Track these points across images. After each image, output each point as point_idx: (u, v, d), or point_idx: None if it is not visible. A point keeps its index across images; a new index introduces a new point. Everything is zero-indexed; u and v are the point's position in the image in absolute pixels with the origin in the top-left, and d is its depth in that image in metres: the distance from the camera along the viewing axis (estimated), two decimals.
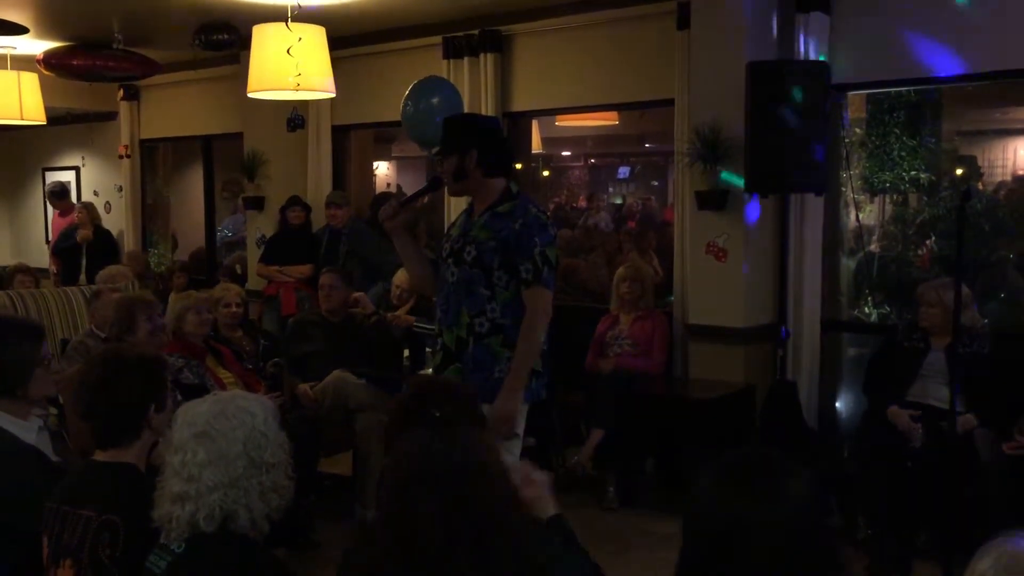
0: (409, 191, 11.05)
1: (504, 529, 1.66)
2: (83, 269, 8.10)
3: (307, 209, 7.06)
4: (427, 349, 5.27)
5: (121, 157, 9.19)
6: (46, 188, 9.78)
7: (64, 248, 8.45)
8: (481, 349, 3.39)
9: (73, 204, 9.27)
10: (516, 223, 3.36)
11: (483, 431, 1.82)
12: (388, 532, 1.69)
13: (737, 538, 1.40)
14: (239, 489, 2.03)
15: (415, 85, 5.44)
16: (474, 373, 3.38)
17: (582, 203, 11.80)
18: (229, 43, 6.64)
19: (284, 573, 2.12)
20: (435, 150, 5.50)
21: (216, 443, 2.03)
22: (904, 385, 4.41)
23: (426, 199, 6.58)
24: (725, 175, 5.11)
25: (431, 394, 1.83)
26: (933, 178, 6.08)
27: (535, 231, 3.35)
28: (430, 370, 5.09)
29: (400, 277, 5.96)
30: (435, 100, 5.34)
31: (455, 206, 6.45)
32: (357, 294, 5.56)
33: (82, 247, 8.30)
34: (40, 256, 9.51)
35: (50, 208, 9.81)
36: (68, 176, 10.16)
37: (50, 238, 9.59)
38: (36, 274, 7.13)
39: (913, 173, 5.90)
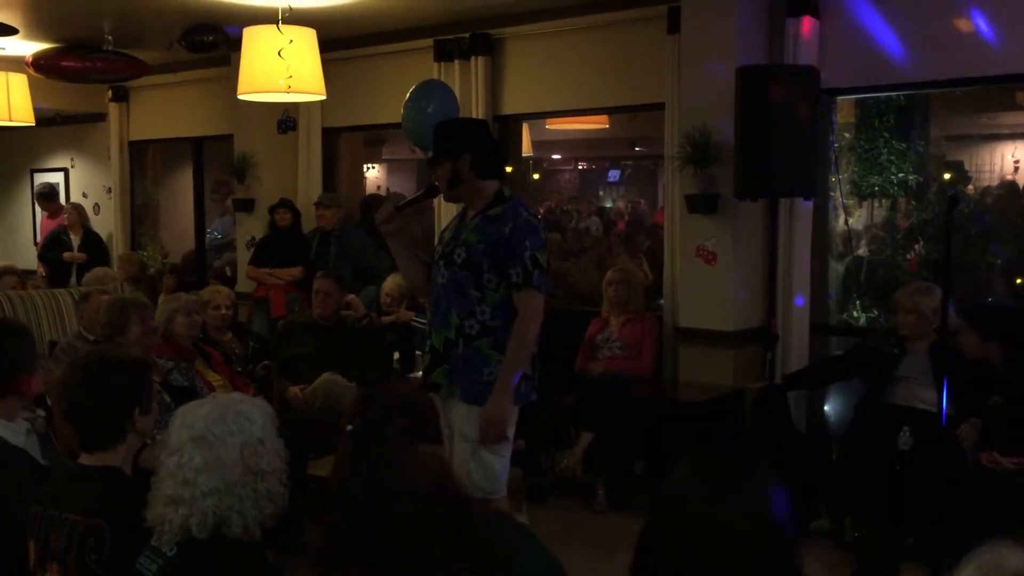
0: (399, 193, 11.05)
1: (404, 544, 1.61)
2: (74, 271, 8.07)
3: (294, 211, 7.03)
4: (416, 352, 5.27)
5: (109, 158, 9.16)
6: (34, 189, 9.74)
7: (51, 256, 8.37)
8: (471, 351, 3.39)
9: (61, 206, 9.23)
10: (506, 227, 3.37)
11: (416, 446, 1.79)
12: (315, 545, 1.70)
13: (693, 533, 1.42)
14: (234, 496, 2.02)
15: (414, 89, 5.44)
16: (463, 375, 3.39)
17: (569, 206, 11.81)
18: (213, 45, 6.62)
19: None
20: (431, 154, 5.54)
21: (213, 448, 2.03)
22: (879, 387, 4.44)
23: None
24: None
25: (360, 405, 1.82)
26: (920, 179, 6.11)
27: (525, 234, 3.36)
28: (420, 372, 5.11)
29: (389, 285, 5.96)
30: (435, 104, 5.33)
31: (446, 209, 6.46)
32: (349, 297, 5.56)
33: (72, 249, 8.28)
34: (29, 258, 9.47)
35: (39, 210, 9.77)
36: (57, 178, 10.12)
37: (38, 240, 9.53)
38: (24, 276, 7.10)
39: (901, 175, 5.93)
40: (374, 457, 1.71)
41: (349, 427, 1.75)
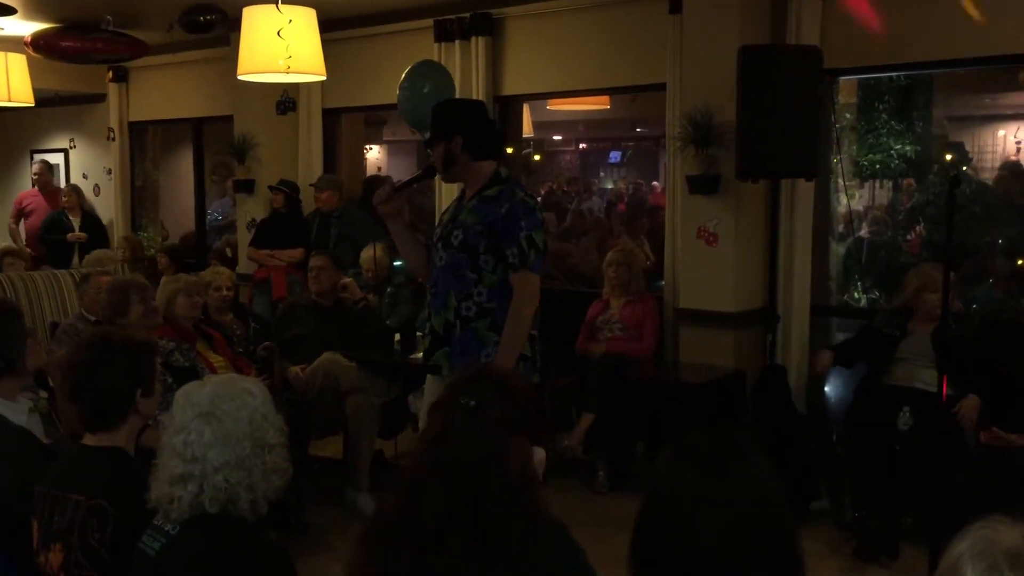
0: (399, 175, 11.03)
1: (509, 533, 1.66)
2: (76, 252, 8.07)
3: (286, 193, 7.01)
4: (418, 333, 5.29)
5: (109, 139, 9.13)
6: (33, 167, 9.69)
7: (52, 238, 8.35)
8: (468, 333, 3.40)
9: (57, 188, 9.22)
10: (502, 207, 3.37)
11: (517, 432, 1.81)
12: (396, 503, 1.71)
13: (691, 514, 1.42)
14: (243, 470, 2.03)
15: (411, 69, 5.42)
16: (461, 357, 3.39)
17: (569, 188, 11.79)
18: (211, 25, 6.59)
19: (278, 554, 2.13)
20: (427, 135, 5.53)
21: (223, 423, 2.04)
22: (879, 368, 4.44)
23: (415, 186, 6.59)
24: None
25: (474, 382, 1.83)
26: (919, 150, 6.09)
27: (521, 215, 3.35)
28: (420, 354, 5.12)
29: (364, 259, 6.02)
30: (430, 84, 5.32)
31: (447, 190, 6.45)
32: (345, 280, 5.56)
33: (73, 230, 8.27)
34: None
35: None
36: (57, 158, 10.09)
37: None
38: (27, 257, 7.10)
39: (902, 156, 5.92)
40: (478, 433, 1.73)
41: (472, 402, 1.76)
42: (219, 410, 2.04)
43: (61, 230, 8.33)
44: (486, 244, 3.36)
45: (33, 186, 9.14)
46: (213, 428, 2.03)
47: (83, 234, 8.25)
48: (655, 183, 12.05)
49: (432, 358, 3.51)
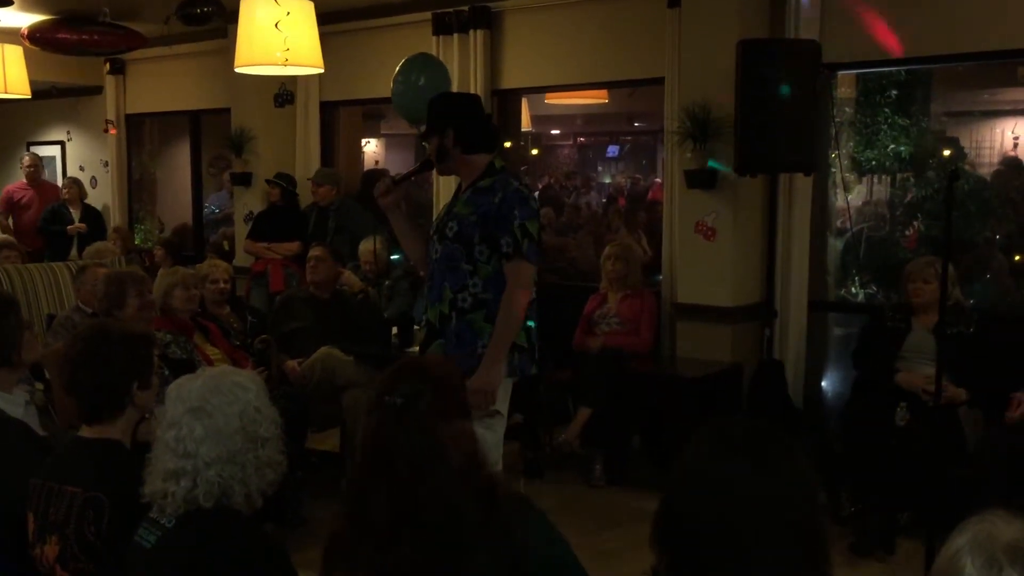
0: (396, 169, 11.00)
1: (465, 519, 1.67)
2: (75, 245, 8.06)
3: (282, 186, 7.01)
4: (415, 326, 5.28)
5: (106, 131, 9.11)
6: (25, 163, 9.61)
7: (52, 230, 8.33)
8: (464, 325, 3.39)
9: (45, 181, 9.19)
10: (496, 197, 3.36)
11: (452, 421, 1.81)
12: (345, 512, 1.75)
13: (734, 505, 1.38)
14: (236, 464, 2.03)
15: (404, 62, 5.41)
16: (457, 348, 3.39)
17: (567, 182, 11.78)
18: (208, 17, 6.57)
19: (273, 547, 2.13)
20: (423, 128, 5.51)
21: (213, 418, 2.03)
22: (887, 364, 4.44)
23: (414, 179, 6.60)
24: (712, 163, 5.12)
25: (400, 378, 1.83)
26: (920, 155, 6.09)
27: (515, 204, 3.34)
28: (417, 347, 5.09)
29: (363, 251, 6.02)
30: (424, 77, 5.31)
31: (444, 183, 6.44)
32: (344, 272, 5.56)
33: (73, 222, 8.26)
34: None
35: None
36: (54, 151, 10.06)
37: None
38: (21, 249, 7.08)
39: (901, 151, 5.91)
40: (411, 431, 1.73)
41: (398, 400, 1.75)
42: (209, 405, 2.04)
43: (62, 222, 8.32)
44: (480, 235, 3.35)
45: (26, 179, 9.08)
46: (204, 423, 2.02)
47: (83, 225, 8.24)
48: (656, 179, 12.05)
49: (428, 350, 3.51)
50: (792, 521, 1.39)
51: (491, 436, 3.38)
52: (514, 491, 1.90)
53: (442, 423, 1.76)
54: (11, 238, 7.80)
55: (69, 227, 8.24)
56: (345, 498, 1.79)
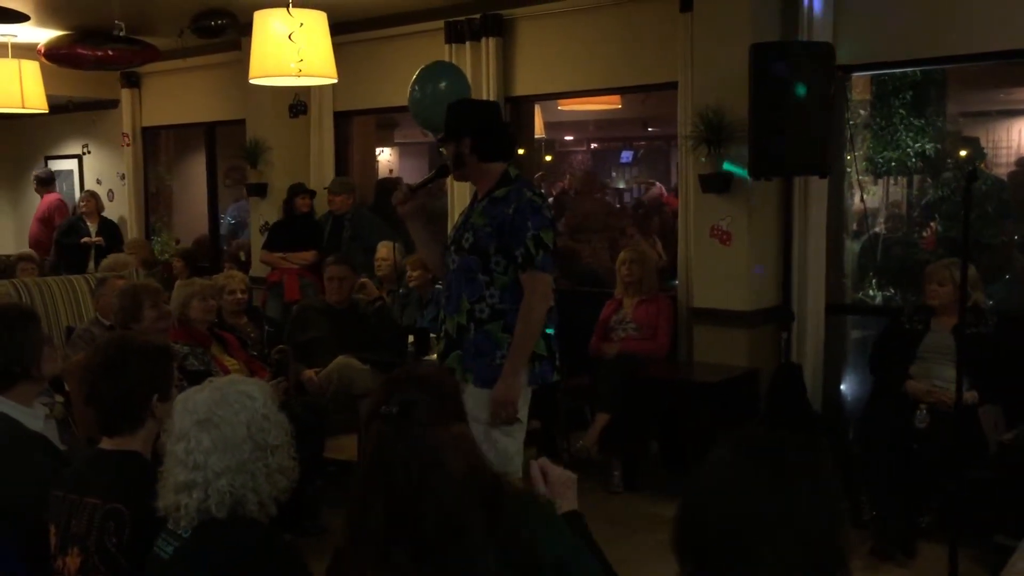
0: (411, 177, 11.02)
1: (472, 524, 1.66)
2: (92, 257, 8.11)
3: (312, 195, 7.07)
4: (431, 335, 5.29)
5: (123, 146, 9.18)
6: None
7: (68, 243, 8.39)
8: (482, 335, 3.39)
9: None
10: (510, 208, 3.36)
11: (449, 427, 1.81)
12: (346, 525, 1.75)
13: (751, 522, 1.34)
14: (246, 473, 2.03)
15: (422, 70, 5.42)
16: (476, 359, 3.39)
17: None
18: (222, 29, 6.62)
19: (292, 554, 2.13)
20: (440, 136, 5.52)
21: (220, 429, 2.04)
22: (903, 366, 4.42)
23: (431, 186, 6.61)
24: (727, 165, 5.11)
25: (394, 387, 1.83)
26: (938, 146, 6.05)
27: (528, 215, 3.34)
28: (435, 356, 5.10)
29: (380, 251, 6.02)
30: (442, 85, 5.31)
31: (459, 191, 6.45)
32: (363, 279, 5.57)
33: (90, 236, 8.31)
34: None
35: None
36: (71, 164, 10.14)
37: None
38: (40, 261, 7.14)
39: (917, 146, 5.87)
40: (409, 440, 1.73)
41: (394, 409, 1.75)
42: (216, 416, 2.04)
43: (78, 234, 8.36)
44: (496, 245, 3.35)
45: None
46: (211, 435, 2.03)
47: (99, 238, 8.29)
48: (655, 182, 12.03)
49: (445, 361, 3.51)
50: (807, 535, 1.34)
51: (512, 444, 3.38)
52: (517, 487, 1.89)
53: (439, 430, 1.76)
54: (30, 251, 7.86)
55: (84, 239, 8.27)
56: (345, 513, 1.79)
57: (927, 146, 5.89)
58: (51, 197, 9.32)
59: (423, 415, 1.76)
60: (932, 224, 6.03)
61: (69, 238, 8.35)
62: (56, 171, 10.28)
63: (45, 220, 9.14)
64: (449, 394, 1.85)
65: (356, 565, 1.72)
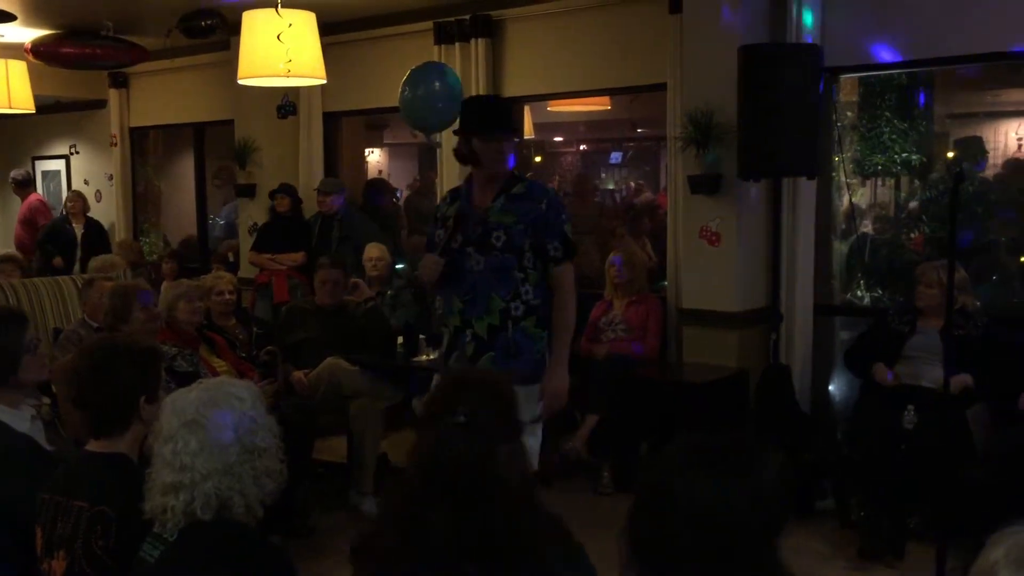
0: (399, 178, 11.02)
1: (517, 543, 1.65)
2: (77, 260, 8.05)
3: (292, 196, 7.02)
4: (420, 336, 5.29)
5: (112, 146, 9.14)
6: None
7: (48, 250, 8.27)
8: (520, 332, 3.43)
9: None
10: (542, 203, 3.43)
11: (511, 436, 1.79)
12: (398, 531, 1.70)
13: (688, 515, 1.38)
14: (233, 476, 2.02)
15: (413, 70, 5.41)
16: (515, 358, 3.40)
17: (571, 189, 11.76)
18: (211, 29, 6.60)
19: (279, 557, 2.12)
20: (436, 137, 5.49)
21: (208, 431, 2.02)
22: (887, 365, 4.44)
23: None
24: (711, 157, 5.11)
25: (459, 394, 1.79)
26: (924, 159, 6.07)
27: (560, 209, 3.49)
28: (424, 357, 5.10)
29: (372, 251, 6.01)
30: (436, 85, 5.29)
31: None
32: (355, 280, 5.55)
33: (76, 236, 8.25)
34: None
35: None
36: (58, 165, 10.09)
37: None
38: (23, 263, 7.08)
39: (904, 155, 5.89)
40: (475, 450, 1.70)
41: (462, 418, 1.72)
42: (203, 418, 2.03)
43: (62, 236, 8.25)
44: (530, 242, 3.41)
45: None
46: (199, 436, 2.01)
47: (59, 260, 7.96)
48: (633, 182, 12.05)
49: (478, 364, 3.49)
50: (734, 532, 1.38)
51: (534, 442, 3.37)
52: (552, 512, 1.87)
53: (502, 442, 1.75)
54: (13, 252, 7.78)
55: (53, 261, 7.97)
56: (399, 519, 1.73)
57: (912, 157, 5.90)
58: (32, 199, 9.21)
59: (490, 425, 1.74)
60: (921, 225, 6.05)
61: (49, 244, 8.18)
62: (44, 171, 10.23)
63: (27, 222, 9.01)
64: (512, 405, 1.84)
65: (410, 571, 1.68)
